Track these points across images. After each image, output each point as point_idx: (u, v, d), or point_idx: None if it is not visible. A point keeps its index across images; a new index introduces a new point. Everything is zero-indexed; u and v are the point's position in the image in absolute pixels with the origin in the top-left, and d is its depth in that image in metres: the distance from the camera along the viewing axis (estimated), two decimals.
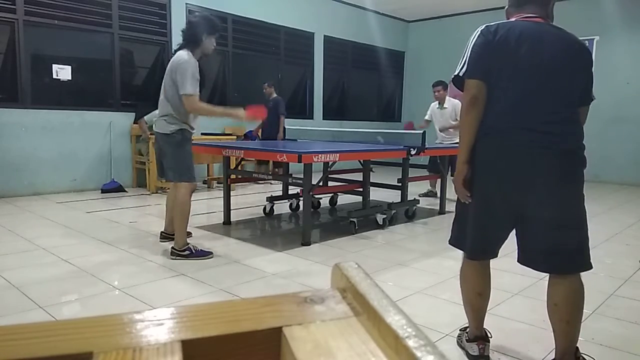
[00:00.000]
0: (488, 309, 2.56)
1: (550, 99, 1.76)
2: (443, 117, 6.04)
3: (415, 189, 5.93)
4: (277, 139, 7.00)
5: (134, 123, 6.56)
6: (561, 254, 1.79)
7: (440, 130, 6.10)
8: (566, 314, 1.80)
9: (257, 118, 3.62)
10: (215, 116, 3.45)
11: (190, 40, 3.33)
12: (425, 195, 6.34)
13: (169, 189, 3.91)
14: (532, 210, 1.78)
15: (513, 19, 1.89)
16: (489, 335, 2.09)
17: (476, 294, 2.02)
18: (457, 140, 6.05)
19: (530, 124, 1.74)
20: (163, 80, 3.38)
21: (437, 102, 6.11)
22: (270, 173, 6.23)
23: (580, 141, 1.79)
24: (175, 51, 3.37)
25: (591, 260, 1.82)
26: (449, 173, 5.91)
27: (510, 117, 1.76)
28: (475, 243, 1.93)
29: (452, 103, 5.97)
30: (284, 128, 7.14)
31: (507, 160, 1.77)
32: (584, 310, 2.16)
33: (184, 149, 3.36)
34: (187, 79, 3.17)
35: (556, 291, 1.82)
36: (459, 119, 5.81)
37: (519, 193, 1.78)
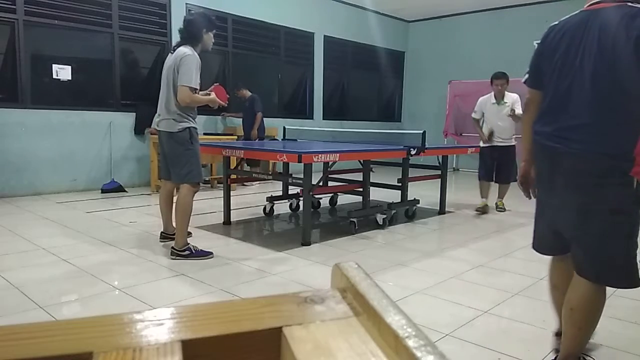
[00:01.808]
0: (487, 309, 2.57)
1: (575, 104, 1.70)
2: (501, 114, 5.18)
3: (415, 189, 5.93)
4: (251, 136, 6.96)
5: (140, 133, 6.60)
6: (581, 256, 1.76)
7: (496, 129, 5.26)
8: (579, 321, 1.77)
9: (223, 99, 3.67)
10: (204, 103, 3.45)
11: (190, 37, 3.34)
12: (483, 211, 5.37)
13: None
14: (556, 213, 1.84)
15: (583, 7, 1.81)
16: None
17: (552, 285, 2.07)
18: (514, 143, 5.48)
19: (554, 130, 1.75)
20: (164, 79, 3.37)
21: (489, 96, 5.31)
22: (270, 173, 6.24)
23: (607, 149, 1.64)
24: (175, 48, 3.36)
25: (623, 279, 1.72)
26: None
27: (542, 121, 1.82)
28: (534, 236, 2.02)
29: (512, 97, 5.16)
30: (263, 125, 7.12)
31: (539, 164, 1.88)
32: None
33: (193, 147, 3.36)
34: (191, 71, 3.19)
35: (574, 294, 1.77)
36: (517, 111, 5.12)
37: (548, 195, 1.86)
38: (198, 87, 3.28)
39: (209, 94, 3.53)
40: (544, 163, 1.83)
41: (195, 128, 3.39)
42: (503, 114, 5.17)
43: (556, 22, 1.85)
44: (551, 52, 1.79)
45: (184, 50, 3.26)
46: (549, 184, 1.82)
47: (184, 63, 3.20)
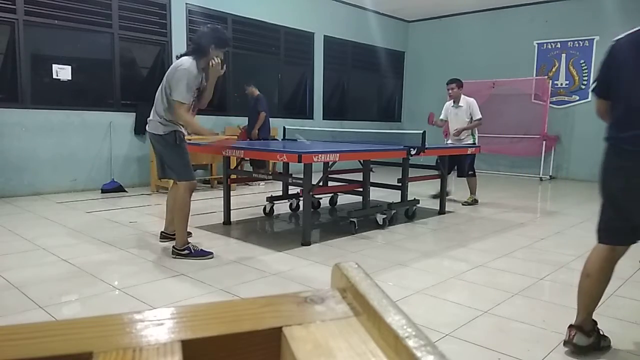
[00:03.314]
0: (487, 309, 2.57)
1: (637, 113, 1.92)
2: (457, 116, 5.83)
3: (415, 189, 5.94)
4: (251, 136, 6.93)
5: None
6: None
7: (453, 131, 5.90)
8: None
9: (222, 149, 3.89)
10: (192, 130, 3.59)
11: (196, 50, 3.33)
12: (436, 197, 5.84)
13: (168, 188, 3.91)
14: (635, 207, 2.01)
15: None
16: (593, 328, 2.11)
17: (585, 274, 2.12)
18: (470, 142, 6.05)
19: (632, 136, 1.95)
20: (161, 82, 3.39)
21: (451, 100, 5.90)
22: (270, 173, 6.23)
23: None
24: (179, 55, 3.36)
25: None
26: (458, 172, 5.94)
27: (619, 128, 2.00)
28: (601, 227, 2.12)
29: (467, 101, 5.77)
30: (269, 126, 7.09)
31: (616, 164, 2.03)
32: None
33: (180, 148, 3.39)
34: (180, 86, 3.19)
35: None
36: (474, 117, 5.93)
37: (626, 191, 2.01)
38: (188, 102, 3.26)
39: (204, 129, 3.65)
40: (622, 163, 2.00)
41: (182, 132, 3.39)
42: (459, 117, 5.82)
43: (620, 36, 2.00)
44: (619, 65, 1.96)
45: (183, 62, 3.26)
46: (627, 182, 1.98)
47: (177, 75, 3.21)
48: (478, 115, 5.72)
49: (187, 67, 3.22)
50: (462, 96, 5.85)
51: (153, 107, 3.41)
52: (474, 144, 5.83)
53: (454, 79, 5.92)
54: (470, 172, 5.86)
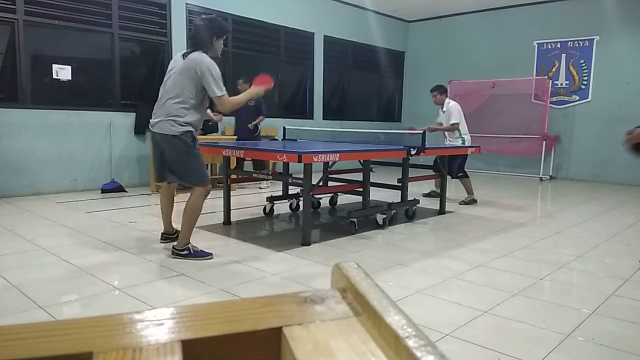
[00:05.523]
0: (487, 309, 2.57)
1: None
2: (444, 120, 6.10)
3: (416, 189, 5.94)
4: (255, 138, 6.68)
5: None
6: None
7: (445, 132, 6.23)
8: None
9: (269, 85, 3.73)
10: (244, 103, 3.56)
11: (201, 44, 3.31)
12: (428, 195, 6.29)
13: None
14: None
15: None
16: None
17: None
18: (457, 144, 6.10)
19: None
20: (170, 81, 3.31)
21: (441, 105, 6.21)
22: (270, 173, 6.23)
23: None
24: (186, 54, 3.31)
25: None
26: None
27: None
28: None
29: (449, 106, 6.00)
30: (259, 128, 6.87)
31: None
32: (584, 310, 2.17)
33: (195, 149, 3.32)
34: (214, 80, 3.20)
35: None
36: (450, 121, 6.08)
37: None
38: (226, 91, 3.30)
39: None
40: None
41: (195, 132, 3.35)
42: (445, 121, 6.11)
43: None
44: None
45: (201, 58, 3.22)
46: None
47: (207, 72, 3.18)
48: (453, 120, 5.93)
49: (211, 62, 3.23)
50: (447, 100, 6.09)
51: (162, 108, 3.29)
52: (463, 145, 5.96)
53: (436, 86, 6.19)
54: (460, 174, 5.94)
